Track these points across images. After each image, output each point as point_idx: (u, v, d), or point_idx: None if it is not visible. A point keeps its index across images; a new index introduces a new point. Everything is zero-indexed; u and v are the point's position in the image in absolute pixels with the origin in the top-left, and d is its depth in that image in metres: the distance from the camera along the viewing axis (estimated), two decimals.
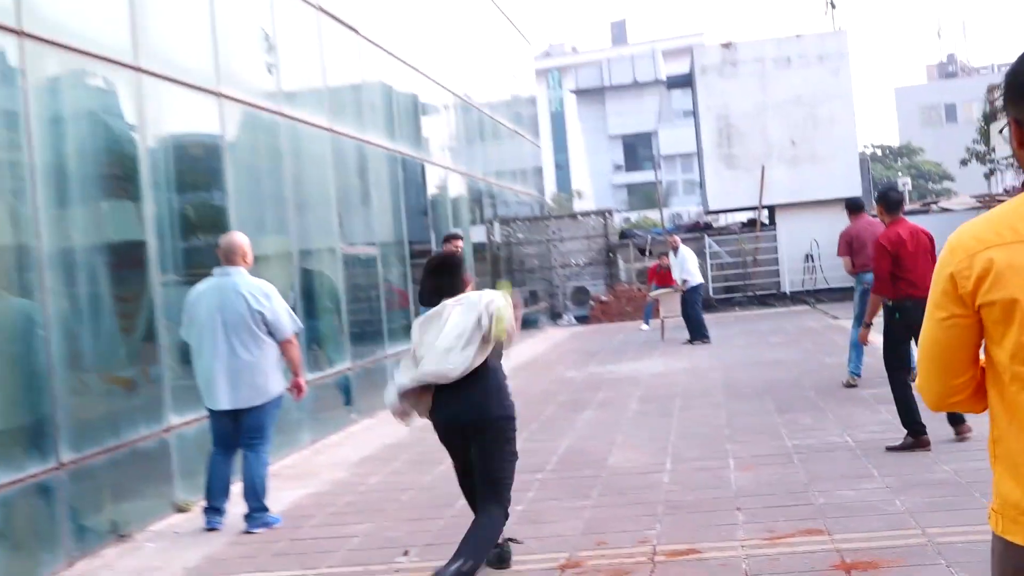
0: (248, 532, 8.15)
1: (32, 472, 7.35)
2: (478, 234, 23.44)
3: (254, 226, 11.44)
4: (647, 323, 24.38)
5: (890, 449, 9.05)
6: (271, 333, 8.21)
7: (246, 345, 8.14)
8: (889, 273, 9.22)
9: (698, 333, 20.49)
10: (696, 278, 21.11)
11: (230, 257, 8.28)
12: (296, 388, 8.53)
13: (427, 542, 7.43)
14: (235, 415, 8.25)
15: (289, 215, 12.31)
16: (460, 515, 8.11)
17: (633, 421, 11.89)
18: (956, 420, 9.14)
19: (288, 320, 8.30)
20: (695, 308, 20.75)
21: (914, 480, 7.93)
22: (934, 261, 9.17)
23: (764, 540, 6.71)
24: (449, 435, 6.46)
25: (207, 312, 8.18)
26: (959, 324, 2.64)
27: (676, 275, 21.33)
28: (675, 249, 21.53)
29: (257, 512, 8.25)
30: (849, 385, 12.68)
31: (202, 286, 8.34)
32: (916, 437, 9.04)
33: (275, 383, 8.32)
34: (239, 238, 8.41)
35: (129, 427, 8.60)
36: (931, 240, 9.30)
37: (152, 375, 9.05)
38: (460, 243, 13.47)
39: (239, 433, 8.30)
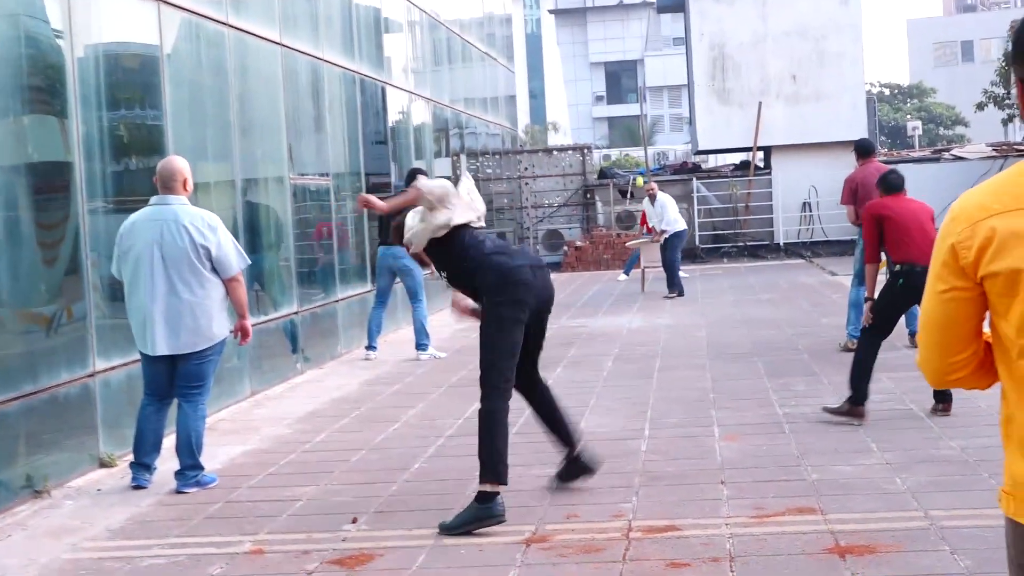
0: (179, 492, 8.11)
1: None
2: (443, 167, 23.31)
3: (194, 150, 11.32)
4: (627, 273, 24.40)
5: (826, 410, 9.40)
6: (215, 270, 8.12)
7: (188, 283, 8.03)
8: (877, 239, 9.67)
9: (672, 284, 20.48)
10: (677, 225, 21.12)
11: (169, 184, 8.16)
12: (241, 331, 8.47)
13: (377, 508, 7.41)
14: (172, 361, 8.18)
15: (233, 139, 12.19)
16: (414, 479, 8.13)
17: (608, 382, 11.91)
18: (941, 397, 9.27)
19: (236, 255, 8.21)
20: (673, 256, 20.75)
21: (917, 456, 7.97)
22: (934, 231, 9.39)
23: (751, 518, 6.73)
24: (534, 313, 7.14)
25: (144, 245, 8.06)
26: (959, 297, 2.70)
27: (655, 224, 21.33)
28: (652, 197, 21.49)
29: (190, 470, 8.20)
30: (847, 349, 12.72)
31: (137, 216, 8.22)
32: (854, 405, 9.24)
33: (220, 326, 8.23)
34: (179, 163, 8.29)
35: (48, 371, 8.51)
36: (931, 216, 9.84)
37: (76, 314, 8.94)
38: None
39: (175, 381, 8.24)
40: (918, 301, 8.74)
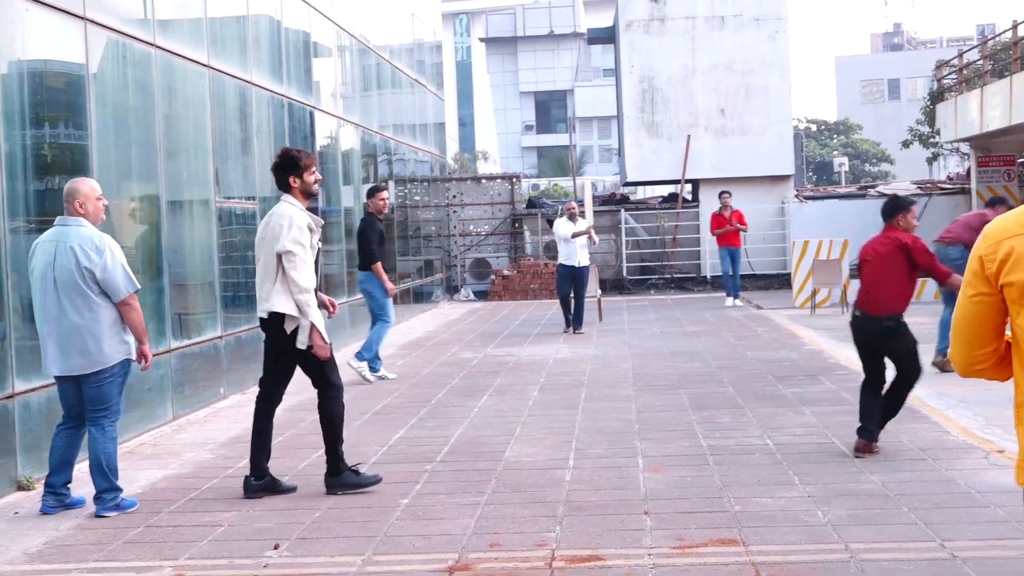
0: (98, 516, 8.05)
1: None
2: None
3: (118, 171, 11.28)
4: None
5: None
6: (105, 293, 8.09)
7: (76, 306, 8.02)
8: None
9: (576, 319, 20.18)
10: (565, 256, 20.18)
11: (67, 205, 8.20)
12: (141, 357, 8.40)
13: (300, 535, 7.40)
14: (77, 383, 8.15)
15: (159, 160, 12.13)
16: (337, 506, 8.13)
17: (534, 411, 11.95)
18: (866, 434, 9.29)
19: (123, 279, 8.11)
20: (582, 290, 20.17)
21: (838, 490, 8.08)
22: (901, 274, 9.26)
23: (673, 549, 6.79)
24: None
25: (41, 267, 8.13)
26: (984, 301, 3.43)
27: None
28: (572, 216, 20.22)
29: (107, 493, 8.15)
30: (941, 367, 13.11)
31: (41, 237, 8.29)
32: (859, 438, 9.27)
33: (112, 349, 8.13)
34: (79, 184, 8.28)
35: None
36: (899, 248, 9.36)
37: None
38: (384, 195, 14.75)
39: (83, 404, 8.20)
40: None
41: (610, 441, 10.15)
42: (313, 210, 8.68)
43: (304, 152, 8.63)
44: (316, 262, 8.53)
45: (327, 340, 8.41)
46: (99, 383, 8.14)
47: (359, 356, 14.57)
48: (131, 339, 8.26)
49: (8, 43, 9.35)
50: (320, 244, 8.60)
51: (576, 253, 19.95)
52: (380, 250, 14.49)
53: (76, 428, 8.30)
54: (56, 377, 8.21)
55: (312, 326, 8.32)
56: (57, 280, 8.01)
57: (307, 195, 8.55)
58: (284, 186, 8.50)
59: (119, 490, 8.20)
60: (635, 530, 7.24)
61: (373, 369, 14.62)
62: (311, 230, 8.38)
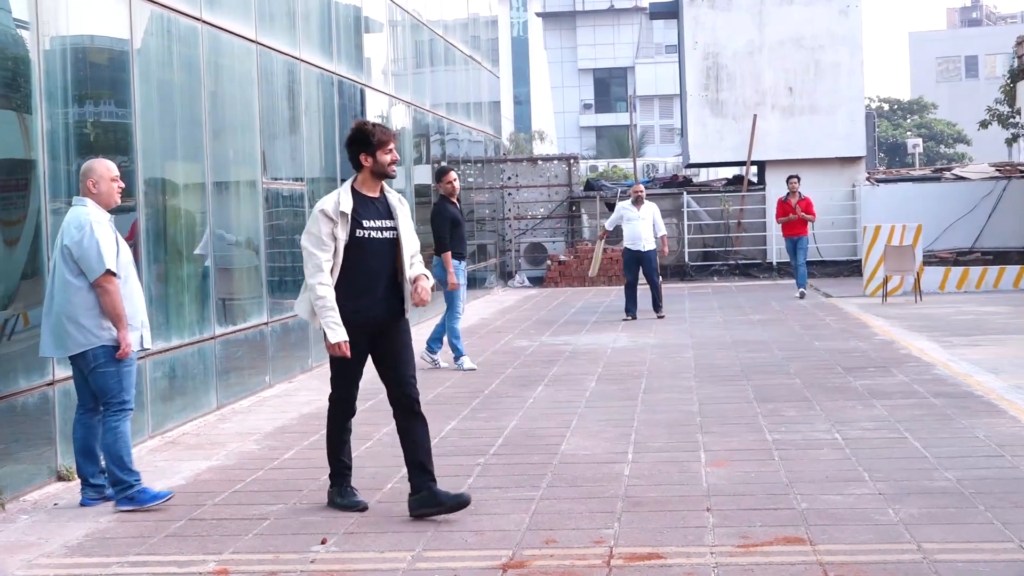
0: (118, 509, 8.08)
1: None
2: (422, 175, 23.34)
3: (163, 150, 11.35)
4: None
5: None
6: (84, 274, 8.05)
7: (59, 286, 8.07)
8: None
9: (655, 303, 20.40)
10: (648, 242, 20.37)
11: (81, 185, 8.29)
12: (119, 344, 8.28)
13: (348, 530, 7.42)
14: (81, 369, 8.21)
15: (204, 140, 12.20)
16: (387, 499, 8.14)
17: (591, 403, 11.93)
18: None
19: (95, 258, 7.97)
20: (654, 273, 20.47)
21: (911, 487, 8.01)
22: None
23: (737, 547, 6.75)
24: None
25: (54, 249, 8.30)
26: None
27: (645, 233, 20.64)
28: (638, 200, 20.49)
29: (115, 486, 8.15)
30: None
31: None
32: None
33: (87, 334, 8.04)
34: (95, 164, 8.33)
35: (5, 378, 8.51)
36: None
37: (34, 318, 8.92)
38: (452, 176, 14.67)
39: None
40: None
41: (671, 434, 10.12)
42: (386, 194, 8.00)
43: (380, 127, 7.88)
44: (389, 248, 7.81)
45: (339, 340, 7.63)
46: (91, 371, 8.12)
47: (430, 349, 14.88)
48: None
49: (51, 19, 9.41)
50: (395, 226, 7.81)
51: (641, 236, 19.99)
52: (456, 234, 14.41)
53: (89, 415, 8.32)
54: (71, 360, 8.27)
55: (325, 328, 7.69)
56: (55, 260, 8.15)
57: (380, 176, 7.84)
58: (356, 165, 7.86)
59: (127, 483, 8.13)
60: (697, 527, 7.21)
61: (457, 358, 14.78)
62: (332, 219, 7.64)
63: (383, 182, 7.90)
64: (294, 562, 6.79)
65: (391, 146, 7.81)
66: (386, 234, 7.79)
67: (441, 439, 10.10)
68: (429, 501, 7.61)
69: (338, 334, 7.61)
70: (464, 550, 6.89)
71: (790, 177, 24.27)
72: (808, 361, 14.31)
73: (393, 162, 7.85)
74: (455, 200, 14.58)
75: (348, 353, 7.66)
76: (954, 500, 7.65)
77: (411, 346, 8.05)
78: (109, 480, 8.22)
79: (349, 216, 7.66)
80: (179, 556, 6.99)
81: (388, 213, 7.84)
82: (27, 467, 8.74)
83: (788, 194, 23.84)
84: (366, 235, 7.72)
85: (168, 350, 11.00)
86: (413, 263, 7.92)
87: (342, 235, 7.66)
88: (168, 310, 11.16)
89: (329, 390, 8.07)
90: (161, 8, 11.36)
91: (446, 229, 14.25)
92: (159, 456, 9.99)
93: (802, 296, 23.41)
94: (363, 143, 7.76)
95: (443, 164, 15.90)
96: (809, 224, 23.94)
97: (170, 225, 11.38)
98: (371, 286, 7.77)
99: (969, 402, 11.10)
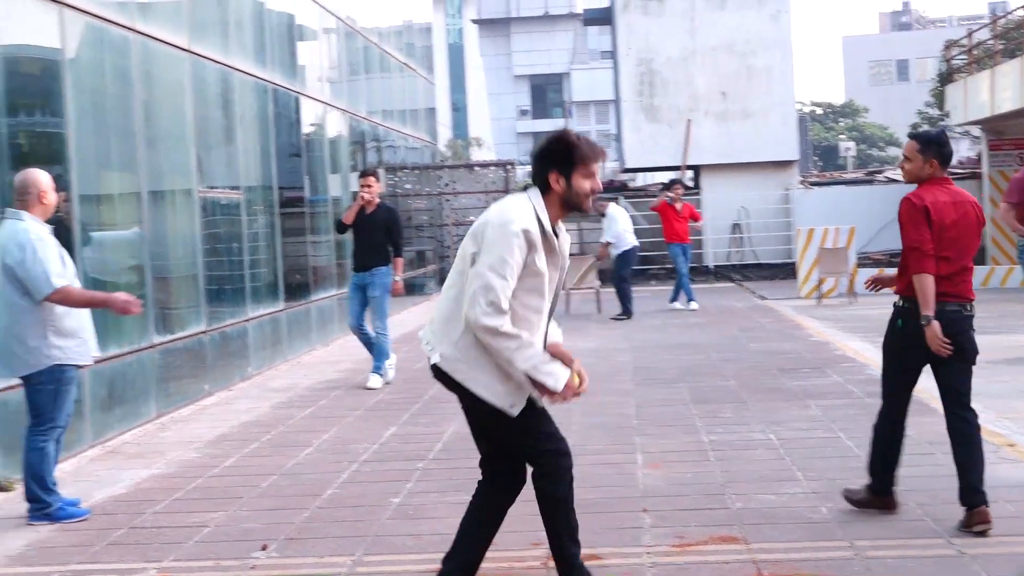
0: (28, 523, 8.02)
1: None
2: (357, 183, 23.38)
3: (97, 160, 11.32)
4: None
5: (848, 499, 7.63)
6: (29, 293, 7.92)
7: (2, 305, 7.94)
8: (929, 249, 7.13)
9: (624, 306, 20.68)
10: (625, 241, 21.03)
11: (25, 196, 8.07)
12: (123, 304, 8.21)
13: (288, 535, 7.45)
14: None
15: (139, 149, 12.17)
16: (327, 505, 8.17)
17: None
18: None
19: (41, 279, 7.82)
20: (620, 275, 20.83)
21: (843, 485, 8.11)
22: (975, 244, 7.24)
23: (673, 547, 6.84)
24: None
25: None
26: None
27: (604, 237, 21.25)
28: (602, 213, 21.47)
29: (37, 503, 8.05)
30: None
31: None
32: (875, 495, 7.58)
33: (36, 354, 7.92)
34: (34, 174, 8.14)
35: None
36: (979, 215, 7.40)
37: None
38: (372, 181, 13.79)
39: None
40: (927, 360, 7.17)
41: (608, 437, 10.21)
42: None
43: (588, 141, 5.86)
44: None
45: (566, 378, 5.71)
46: (29, 388, 8.03)
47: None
48: (65, 343, 8.00)
49: None
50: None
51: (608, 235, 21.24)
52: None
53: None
54: None
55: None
56: None
57: (570, 208, 5.79)
58: (542, 185, 5.84)
59: (46, 504, 8.03)
60: (633, 528, 7.29)
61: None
62: (533, 243, 5.58)
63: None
64: (235, 568, 6.81)
65: (595, 167, 5.80)
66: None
67: (381, 445, 10.13)
68: None
69: (560, 374, 5.65)
70: (403, 554, 6.94)
71: (672, 182, 23.41)
72: (744, 363, 14.44)
73: (593, 192, 5.79)
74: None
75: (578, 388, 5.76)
76: None
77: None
78: (26, 495, 8.07)
79: (553, 242, 5.70)
80: (120, 564, 7.00)
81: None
82: None
83: (673, 199, 22.44)
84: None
85: (107, 359, 10.96)
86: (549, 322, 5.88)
87: (542, 267, 5.61)
88: (107, 319, 11.10)
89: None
90: (93, 18, 11.33)
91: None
92: (100, 465, 9.96)
93: (689, 308, 22.14)
94: (560, 159, 5.76)
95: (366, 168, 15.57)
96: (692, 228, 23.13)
97: (106, 235, 11.35)
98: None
99: None
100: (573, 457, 6.00)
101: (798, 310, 21.04)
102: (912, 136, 7.48)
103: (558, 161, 5.74)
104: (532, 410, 5.79)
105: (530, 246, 5.52)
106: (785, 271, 28.93)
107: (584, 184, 5.70)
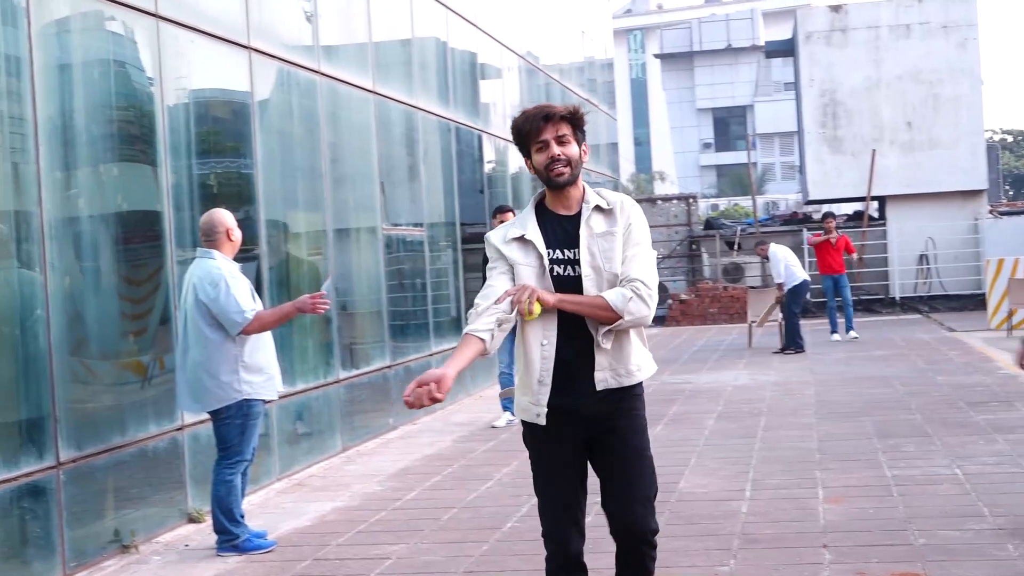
0: (220, 555, 8.23)
1: (26, 471, 7.49)
2: None
3: (284, 200, 11.59)
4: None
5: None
6: (223, 328, 8.17)
7: (196, 341, 8.18)
8: None
9: (790, 341, 20.50)
10: (795, 277, 21.08)
11: (213, 235, 8.36)
12: (313, 301, 8.39)
13: (467, 569, 7.51)
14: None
15: (325, 189, 12.44)
16: (506, 539, 8.21)
17: (710, 441, 11.91)
18: None
19: (236, 312, 8.06)
20: (791, 310, 20.74)
21: None
22: None
23: None
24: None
25: (181, 301, 8.44)
26: None
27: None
28: (763, 256, 21.92)
29: (225, 535, 8.25)
30: None
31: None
32: None
33: (226, 389, 8.15)
34: (220, 214, 8.43)
35: (137, 424, 8.74)
36: None
37: (167, 365, 9.16)
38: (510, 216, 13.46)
39: None
40: None
41: (788, 471, 10.07)
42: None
43: (524, 117, 5.22)
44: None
45: None
46: (218, 422, 8.27)
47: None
48: (253, 379, 8.23)
49: (174, 74, 9.69)
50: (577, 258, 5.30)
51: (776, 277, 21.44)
52: None
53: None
54: None
55: None
56: (187, 315, 8.26)
57: (551, 187, 5.13)
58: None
59: (234, 536, 8.25)
60: (812, 563, 7.18)
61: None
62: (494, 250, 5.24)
63: (585, 190, 5.16)
64: None
65: (544, 136, 5.09)
66: (568, 270, 5.07)
67: None
68: None
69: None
70: None
71: (826, 215, 23.05)
72: (930, 396, 14.13)
73: (552, 160, 5.04)
74: None
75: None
76: None
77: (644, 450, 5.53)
78: (215, 527, 8.32)
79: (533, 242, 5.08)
80: None
81: (574, 239, 5.09)
82: (159, 510, 8.96)
83: (826, 232, 22.04)
84: (552, 271, 5.08)
85: (294, 394, 11.20)
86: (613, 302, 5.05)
87: (515, 259, 5.10)
88: (293, 355, 11.37)
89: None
90: (281, 62, 11.63)
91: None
92: (286, 498, 10.18)
93: (852, 338, 22.10)
94: (520, 148, 5.27)
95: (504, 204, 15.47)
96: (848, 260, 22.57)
97: (292, 272, 11.62)
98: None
99: None
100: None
101: (987, 342, 20.50)
102: None
103: (521, 150, 5.26)
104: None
105: (493, 251, 5.13)
106: (974, 302, 28.24)
107: (539, 158, 5.08)
